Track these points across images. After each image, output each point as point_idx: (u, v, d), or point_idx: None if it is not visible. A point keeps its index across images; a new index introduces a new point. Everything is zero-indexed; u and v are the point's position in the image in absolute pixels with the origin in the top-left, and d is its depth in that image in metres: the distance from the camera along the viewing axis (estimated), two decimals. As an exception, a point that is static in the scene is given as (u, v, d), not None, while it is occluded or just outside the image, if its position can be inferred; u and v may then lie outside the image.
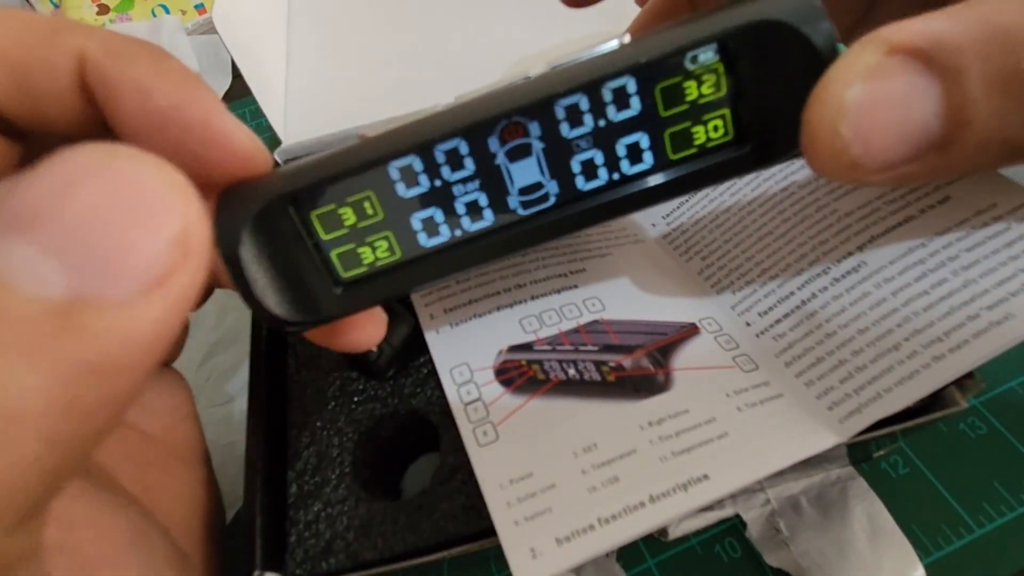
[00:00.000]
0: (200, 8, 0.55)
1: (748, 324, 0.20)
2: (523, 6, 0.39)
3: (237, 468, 0.19)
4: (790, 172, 0.22)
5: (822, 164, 0.13)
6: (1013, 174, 0.17)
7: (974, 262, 0.16)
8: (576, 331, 0.21)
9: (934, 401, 0.18)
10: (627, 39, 0.14)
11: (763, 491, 0.23)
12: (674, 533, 0.22)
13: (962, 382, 0.18)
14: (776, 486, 0.23)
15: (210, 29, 0.51)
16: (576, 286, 0.22)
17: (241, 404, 0.28)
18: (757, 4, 0.14)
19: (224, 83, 0.49)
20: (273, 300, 0.15)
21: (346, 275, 0.16)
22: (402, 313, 0.22)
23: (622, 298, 0.22)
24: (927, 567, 0.21)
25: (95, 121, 0.14)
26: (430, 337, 0.21)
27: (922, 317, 0.17)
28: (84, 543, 0.14)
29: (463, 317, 0.22)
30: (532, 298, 0.22)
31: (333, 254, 0.16)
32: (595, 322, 0.21)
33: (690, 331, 0.20)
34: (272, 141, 0.38)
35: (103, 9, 0.54)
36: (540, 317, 0.21)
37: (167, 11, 0.54)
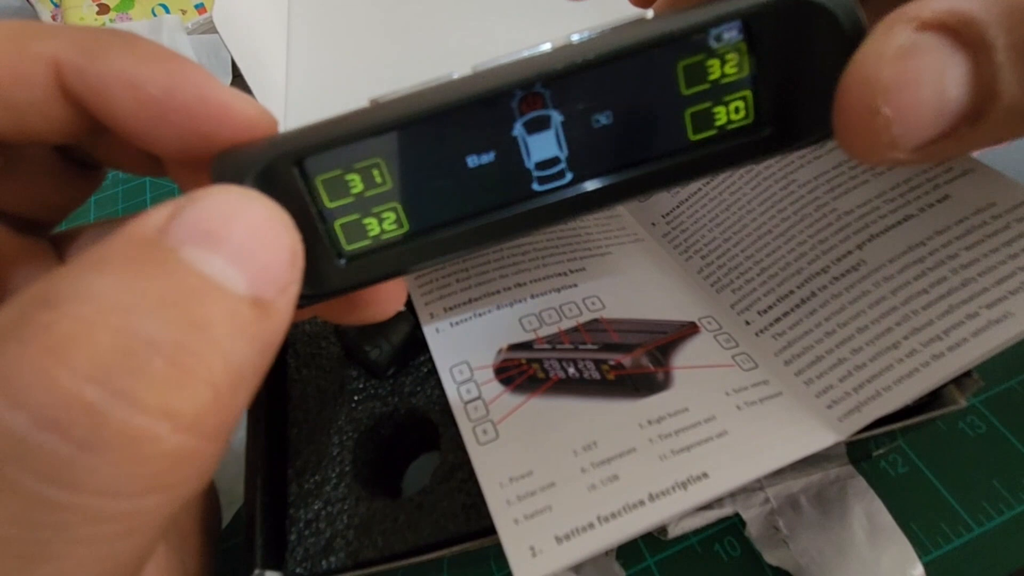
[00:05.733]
0: (200, 8, 0.55)
1: (748, 323, 0.20)
2: (523, 8, 0.39)
3: (237, 468, 0.19)
4: (790, 171, 0.22)
5: (860, 145, 0.13)
6: (1013, 173, 0.17)
7: (973, 260, 0.16)
8: (576, 330, 0.21)
9: (933, 400, 0.18)
10: (650, 14, 0.14)
11: (762, 490, 0.23)
12: (673, 532, 0.22)
13: (961, 380, 0.18)
14: (775, 485, 0.23)
15: (210, 29, 0.51)
16: (576, 285, 0.22)
17: (241, 403, 0.28)
18: None
19: (224, 83, 0.49)
20: None
21: (349, 248, 0.15)
22: (402, 312, 0.22)
23: (622, 297, 0.22)
24: (926, 565, 0.21)
25: (83, 122, 0.14)
26: (430, 336, 0.21)
27: (921, 315, 0.17)
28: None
29: (463, 316, 0.22)
30: (532, 297, 0.22)
31: (336, 224, 0.15)
32: (595, 321, 0.21)
33: (690, 330, 0.20)
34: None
35: (103, 9, 0.54)
36: (540, 316, 0.21)
37: (167, 10, 0.54)
